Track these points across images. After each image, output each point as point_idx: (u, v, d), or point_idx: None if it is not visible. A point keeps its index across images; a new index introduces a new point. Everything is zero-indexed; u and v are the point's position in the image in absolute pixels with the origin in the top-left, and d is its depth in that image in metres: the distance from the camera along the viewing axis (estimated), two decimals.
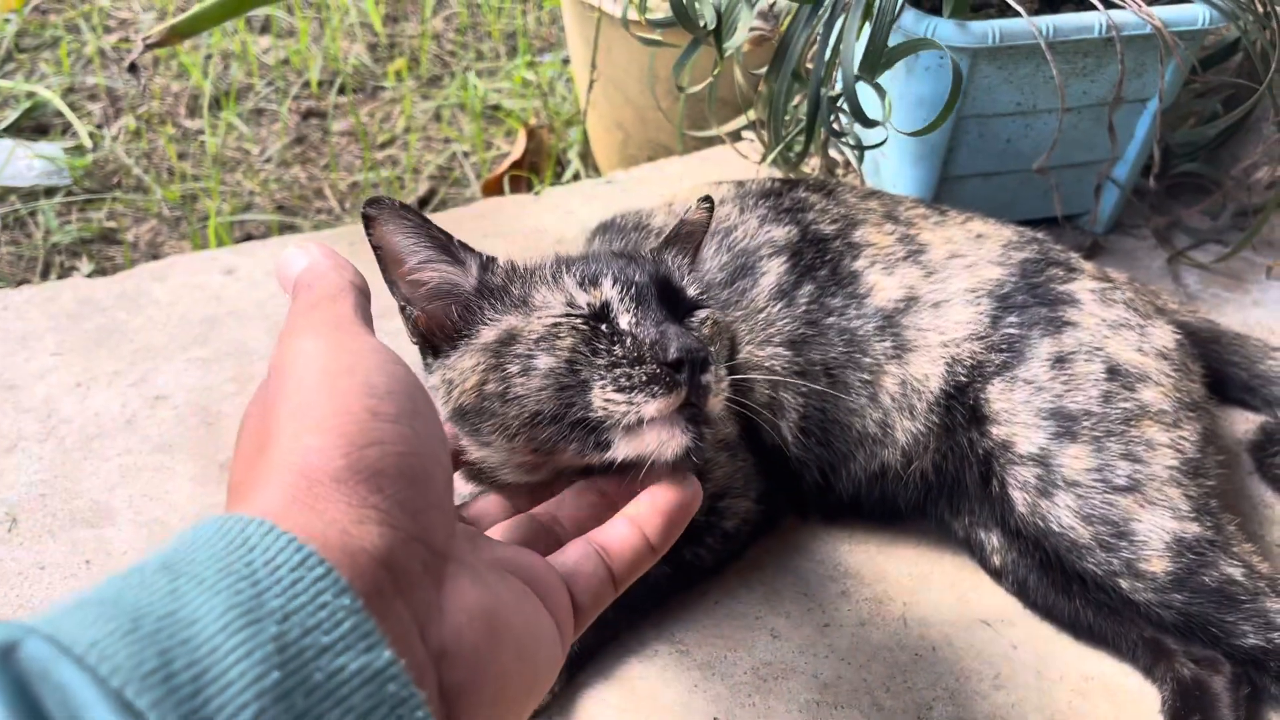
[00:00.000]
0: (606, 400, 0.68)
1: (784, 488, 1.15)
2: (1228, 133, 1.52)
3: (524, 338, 0.73)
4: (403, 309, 0.78)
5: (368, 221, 0.73)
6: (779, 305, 1.12)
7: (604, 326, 0.73)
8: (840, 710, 1.00)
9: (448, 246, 0.78)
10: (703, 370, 0.69)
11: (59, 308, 1.40)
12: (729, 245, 1.15)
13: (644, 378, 0.68)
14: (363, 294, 0.60)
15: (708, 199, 0.94)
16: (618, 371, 0.69)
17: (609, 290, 0.75)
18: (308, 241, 0.65)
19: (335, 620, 0.40)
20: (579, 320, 0.73)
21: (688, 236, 0.93)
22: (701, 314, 0.82)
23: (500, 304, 0.77)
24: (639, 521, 0.66)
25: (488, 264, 0.80)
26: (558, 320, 0.73)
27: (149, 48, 1.43)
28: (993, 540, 1.11)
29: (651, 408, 0.67)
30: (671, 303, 0.78)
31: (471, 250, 0.79)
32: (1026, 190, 1.49)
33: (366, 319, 0.59)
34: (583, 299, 0.75)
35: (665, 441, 0.68)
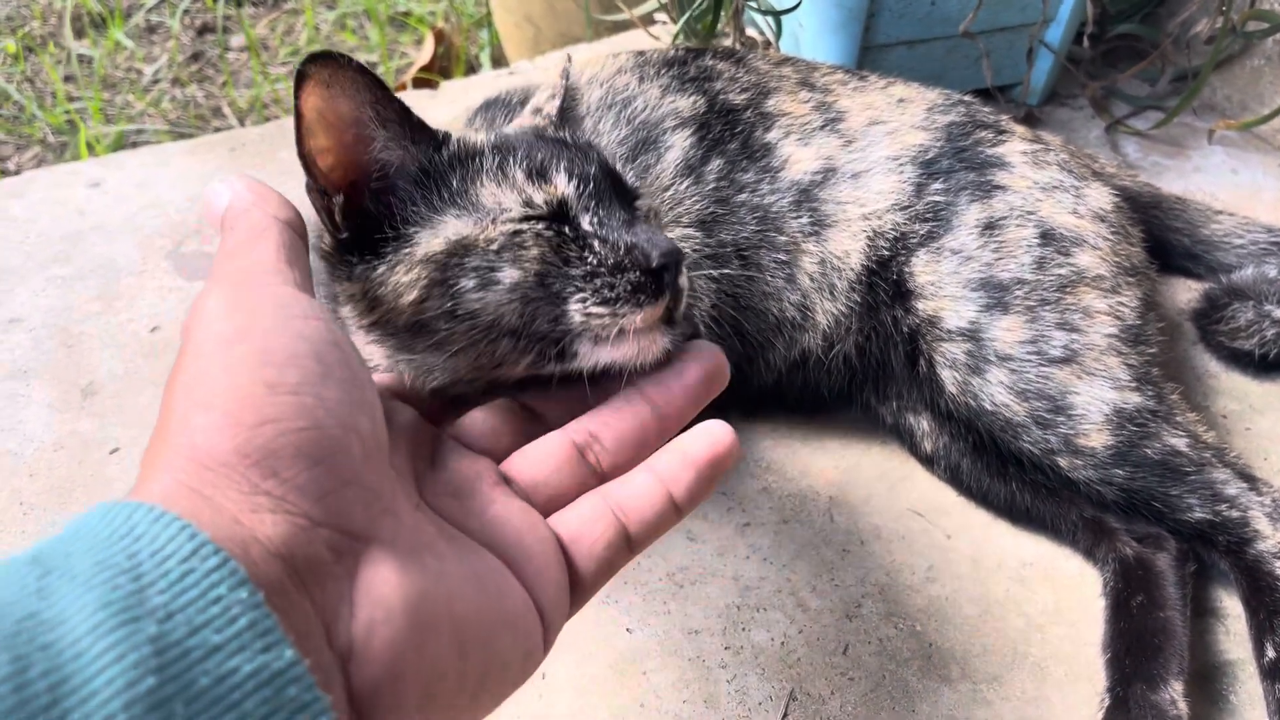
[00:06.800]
0: (588, 314, 0.62)
1: None
2: None
3: (479, 248, 0.62)
4: (320, 194, 0.63)
5: (304, 80, 0.59)
6: (685, 182, 1.02)
7: (568, 229, 0.64)
8: (762, 613, 0.92)
9: (406, 120, 0.64)
10: (679, 272, 0.63)
11: None
12: (628, 117, 1.04)
13: (628, 287, 0.62)
14: (290, 228, 0.54)
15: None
16: (599, 282, 0.62)
17: (563, 185, 0.66)
18: (232, 175, 0.56)
19: (229, 616, 0.35)
20: (542, 225, 0.64)
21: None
22: (643, 204, 0.73)
23: (438, 198, 0.65)
24: (665, 478, 0.57)
25: (441, 144, 0.66)
26: (519, 227, 0.63)
27: None
28: (923, 425, 1.04)
29: (638, 318, 0.62)
30: (620, 194, 0.69)
31: (427, 127, 0.66)
32: (955, 59, 1.39)
33: (293, 258, 0.53)
34: (539, 197, 0.65)
35: (645, 348, 0.62)
